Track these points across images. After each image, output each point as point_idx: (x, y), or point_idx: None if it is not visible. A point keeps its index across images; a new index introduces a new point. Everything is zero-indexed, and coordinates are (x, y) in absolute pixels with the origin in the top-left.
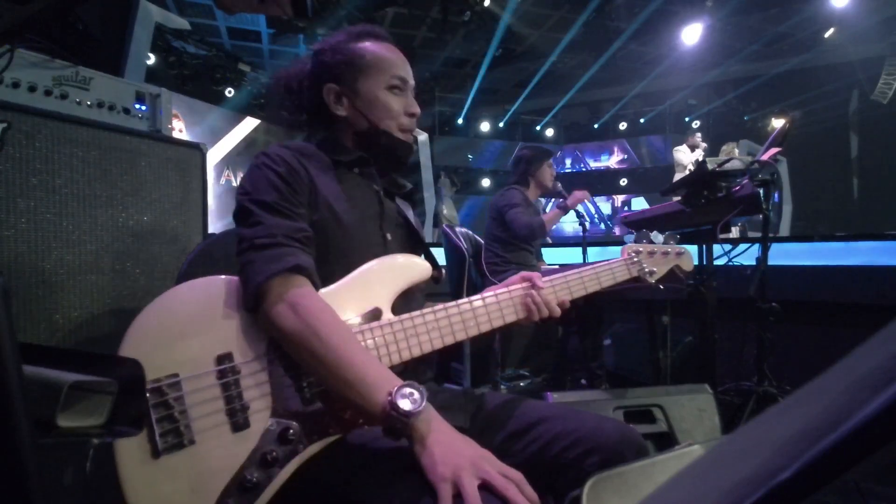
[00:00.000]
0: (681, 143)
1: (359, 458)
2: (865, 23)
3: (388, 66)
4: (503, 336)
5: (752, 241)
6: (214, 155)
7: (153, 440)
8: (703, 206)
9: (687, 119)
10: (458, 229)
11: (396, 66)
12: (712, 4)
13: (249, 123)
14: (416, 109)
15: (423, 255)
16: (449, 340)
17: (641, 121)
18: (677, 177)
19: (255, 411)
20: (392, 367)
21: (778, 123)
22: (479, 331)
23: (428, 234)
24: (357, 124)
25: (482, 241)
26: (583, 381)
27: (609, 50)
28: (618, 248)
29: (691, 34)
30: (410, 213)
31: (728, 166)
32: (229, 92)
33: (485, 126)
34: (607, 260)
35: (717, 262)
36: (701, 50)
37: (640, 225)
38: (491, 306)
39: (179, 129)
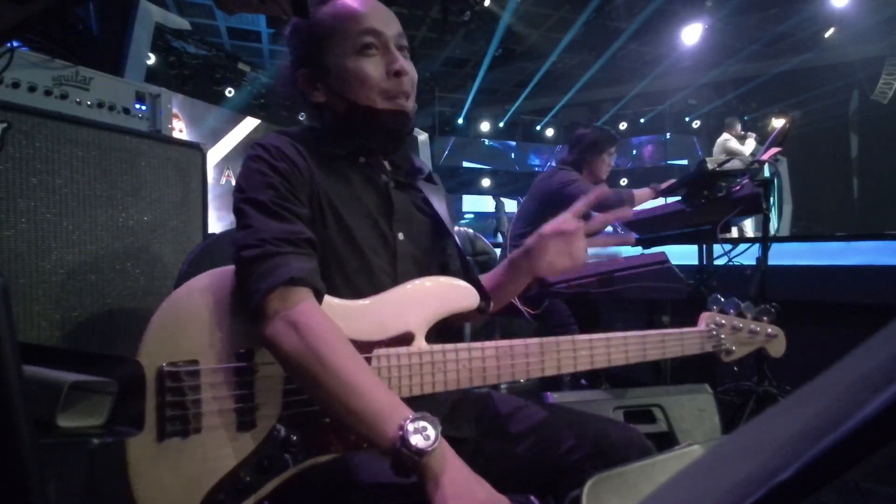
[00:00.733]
0: (721, 135)
1: (359, 484)
2: (865, 23)
3: (350, 24)
4: (503, 335)
5: (752, 241)
6: (214, 155)
7: (161, 422)
8: (703, 206)
9: (687, 119)
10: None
11: (362, 20)
12: (712, 4)
13: (249, 123)
14: (399, 65)
15: (459, 265)
16: (478, 382)
17: (641, 121)
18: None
19: (263, 414)
20: (409, 397)
21: (778, 123)
22: (512, 376)
23: None
24: (336, 108)
25: (483, 239)
26: (583, 381)
27: (609, 50)
28: (620, 249)
29: (691, 34)
30: (436, 201)
31: (728, 166)
32: (229, 92)
33: (485, 126)
34: (680, 328)
35: (717, 262)
36: (701, 50)
37: (640, 225)
38: (532, 355)
39: (179, 129)
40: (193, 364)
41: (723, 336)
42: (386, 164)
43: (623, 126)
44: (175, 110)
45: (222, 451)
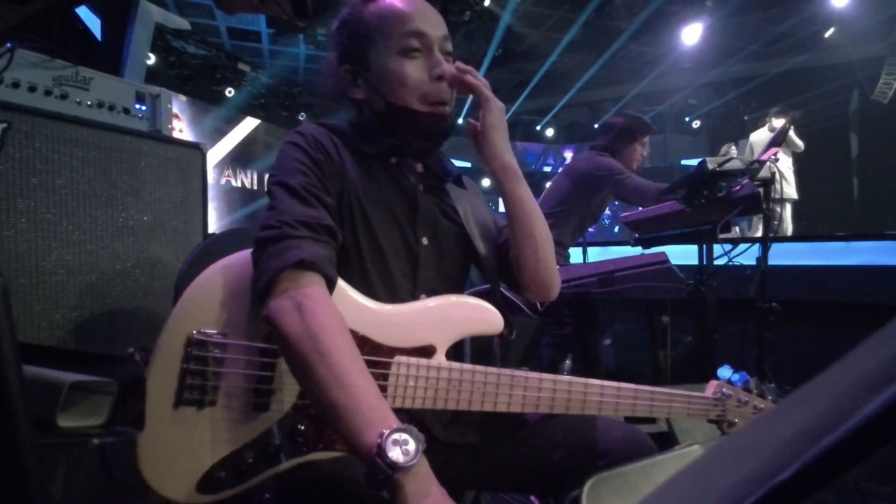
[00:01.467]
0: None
1: (352, 489)
2: (865, 23)
3: (396, 25)
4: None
5: (752, 241)
6: (214, 155)
7: (180, 389)
8: (703, 206)
9: (687, 119)
10: None
11: (408, 21)
12: (712, 4)
13: (249, 123)
14: (442, 70)
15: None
16: (489, 407)
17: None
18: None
19: (278, 399)
20: (418, 410)
21: (778, 123)
22: (521, 408)
23: None
24: (375, 106)
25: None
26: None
27: (609, 50)
28: (619, 249)
29: (691, 34)
30: (465, 207)
31: (728, 166)
32: (229, 92)
33: None
34: (689, 392)
35: (717, 262)
36: (701, 50)
37: (640, 225)
38: (537, 390)
39: (179, 130)
40: (222, 336)
41: (728, 407)
42: (418, 166)
43: None
44: (175, 110)
45: (232, 428)
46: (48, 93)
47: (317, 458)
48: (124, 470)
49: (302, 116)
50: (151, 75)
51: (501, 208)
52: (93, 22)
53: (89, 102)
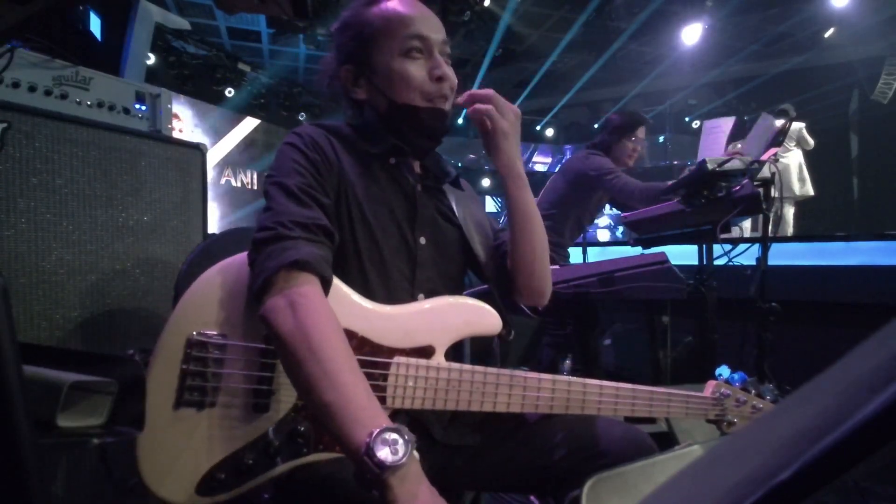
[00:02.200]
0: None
1: (349, 490)
2: (865, 23)
3: (398, 27)
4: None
5: (752, 241)
6: (214, 155)
7: (180, 390)
8: (703, 206)
9: (687, 119)
10: None
11: (410, 24)
12: (712, 4)
13: (249, 123)
14: (442, 71)
15: (474, 269)
16: (488, 407)
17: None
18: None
19: (278, 400)
20: (417, 411)
21: (778, 123)
22: (521, 408)
23: None
24: (378, 105)
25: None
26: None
27: (609, 50)
28: (618, 249)
29: (691, 34)
30: (461, 208)
31: (728, 166)
32: (229, 92)
33: None
34: (687, 392)
35: (717, 262)
36: (701, 50)
37: (640, 225)
38: (538, 389)
39: (179, 130)
40: (222, 337)
41: (726, 406)
42: (416, 166)
43: None
44: (175, 111)
45: (232, 429)
46: (48, 93)
47: (317, 459)
48: (124, 470)
49: (302, 116)
50: (151, 75)
51: (490, 207)
52: (93, 22)
53: (89, 102)
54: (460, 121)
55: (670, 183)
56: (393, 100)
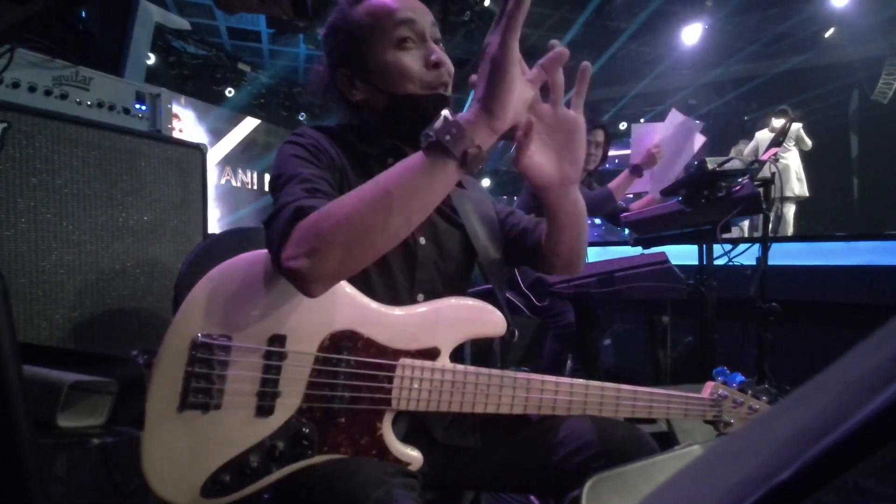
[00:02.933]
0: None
1: (345, 492)
2: (865, 23)
3: (386, 19)
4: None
5: (752, 241)
6: (214, 155)
7: (185, 392)
8: (703, 206)
9: None
10: None
11: (396, 13)
12: (712, 4)
13: (249, 123)
14: (438, 56)
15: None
16: (492, 409)
17: (641, 121)
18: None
19: (283, 403)
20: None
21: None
22: (524, 410)
23: None
24: (376, 104)
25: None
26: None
27: (609, 50)
28: (617, 249)
29: (691, 34)
30: (468, 204)
31: (728, 166)
32: (229, 92)
33: None
34: (686, 393)
35: (717, 262)
36: (701, 50)
37: (640, 225)
38: (542, 390)
39: (179, 130)
40: (226, 339)
41: (724, 407)
42: None
43: (623, 126)
44: (175, 111)
45: (237, 432)
46: (48, 93)
47: (321, 460)
48: (127, 472)
49: (302, 116)
50: (151, 75)
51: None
52: (93, 22)
53: (89, 102)
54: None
55: (609, 185)
56: (393, 93)
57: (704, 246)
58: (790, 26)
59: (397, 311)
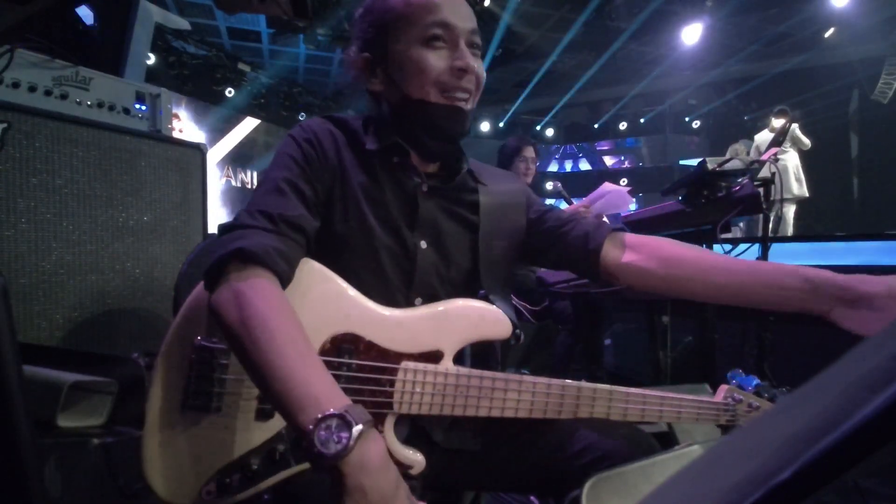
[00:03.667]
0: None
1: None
2: (865, 23)
3: (422, 14)
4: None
5: (752, 240)
6: (214, 155)
7: (185, 396)
8: (703, 206)
9: (687, 119)
10: None
11: (436, 10)
12: (712, 4)
13: (249, 123)
14: (465, 62)
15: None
16: (496, 413)
17: (641, 121)
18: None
19: None
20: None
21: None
22: (529, 413)
23: None
24: (392, 98)
25: None
26: (583, 381)
27: (609, 50)
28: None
29: (691, 34)
30: (488, 200)
31: (728, 166)
32: (229, 92)
33: (485, 126)
34: (698, 397)
35: None
36: (701, 50)
37: (640, 226)
38: (552, 394)
39: (179, 130)
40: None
41: (738, 412)
42: (430, 165)
43: (623, 126)
44: (175, 110)
45: (237, 435)
46: (48, 93)
47: None
48: (129, 475)
49: (302, 116)
50: (151, 75)
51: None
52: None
53: (89, 102)
54: (486, 128)
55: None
56: (406, 92)
57: (704, 246)
58: (790, 26)
59: (400, 313)
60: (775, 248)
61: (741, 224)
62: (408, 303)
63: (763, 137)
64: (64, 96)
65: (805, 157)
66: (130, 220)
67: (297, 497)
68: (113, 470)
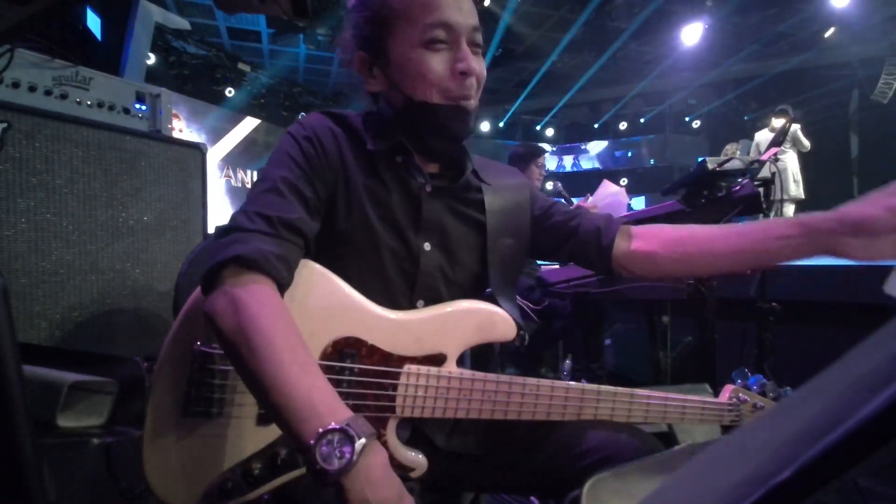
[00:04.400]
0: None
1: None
2: (865, 23)
3: (421, 13)
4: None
5: None
6: (214, 155)
7: (187, 400)
8: (703, 206)
9: (687, 119)
10: None
11: (436, 9)
12: (712, 4)
13: (249, 123)
14: (467, 65)
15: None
16: (499, 416)
17: (641, 121)
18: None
19: None
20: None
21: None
22: (532, 416)
23: None
24: (393, 99)
25: None
26: (583, 382)
27: (609, 50)
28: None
29: (691, 34)
30: (496, 200)
31: (728, 166)
32: (229, 92)
33: (485, 126)
34: (703, 398)
35: None
36: (701, 50)
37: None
38: (555, 394)
39: (179, 130)
40: None
41: (743, 412)
42: (433, 165)
43: (623, 126)
44: (175, 110)
45: (238, 440)
46: (48, 93)
47: None
48: (131, 477)
49: (301, 116)
50: (151, 75)
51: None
52: (93, 22)
53: (89, 102)
54: (486, 128)
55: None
56: (408, 94)
57: None
58: (790, 26)
59: (402, 316)
60: None
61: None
62: (410, 305)
63: (763, 136)
64: (64, 96)
65: (805, 157)
66: (130, 220)
67: (298, 501)
68: (115, 472)
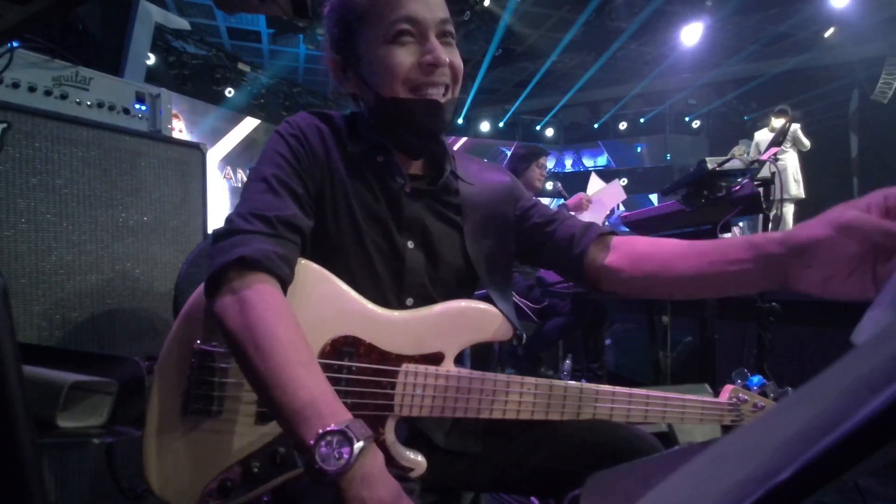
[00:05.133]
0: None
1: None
2: (865, 23)
3: (385, 10)
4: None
5: None
6: (214, 155)
7: (186, 400)
8: (703, 206)
9: (687, 119)
10: None
11: (400, 5)
12: (712, 4)
13: (249, 123)
14: (434, 56)
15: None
16: (497, 415)
17: (641, 121)
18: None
19: None
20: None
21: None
22: (531, 415)
23: None
24: (366, 99)
25: None
26: (583, 382)
27: (609, 50)
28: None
29: (691, 34)
30: (477, 200)
31: (728, 166)
32: (229, 92)
33: (485, 126)
34: (702, 398)
35: None
36: (701, 50)
37: (639, 225)
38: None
39: (179, 130)
40: (225, 346)
41: (743, 412)
42: (413, 165)
43: (623, 126)
44: (175, 110)
45: (238, 438)
46: (48, 93)
47: None
48: (132, 477)
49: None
50: (151, 75)
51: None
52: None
53: (89, 102)
54: (460, 120)
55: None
56: (378, 92)
57: None
58: (790, 26)
59: (400, 315)
60: None
61: (741, 224)
62: (399, 303)
63: (763, 136)
64: (64, 96)
65: (805, 157)
66: (130, 220)
67: (297, 499)
68: (115, 472)
